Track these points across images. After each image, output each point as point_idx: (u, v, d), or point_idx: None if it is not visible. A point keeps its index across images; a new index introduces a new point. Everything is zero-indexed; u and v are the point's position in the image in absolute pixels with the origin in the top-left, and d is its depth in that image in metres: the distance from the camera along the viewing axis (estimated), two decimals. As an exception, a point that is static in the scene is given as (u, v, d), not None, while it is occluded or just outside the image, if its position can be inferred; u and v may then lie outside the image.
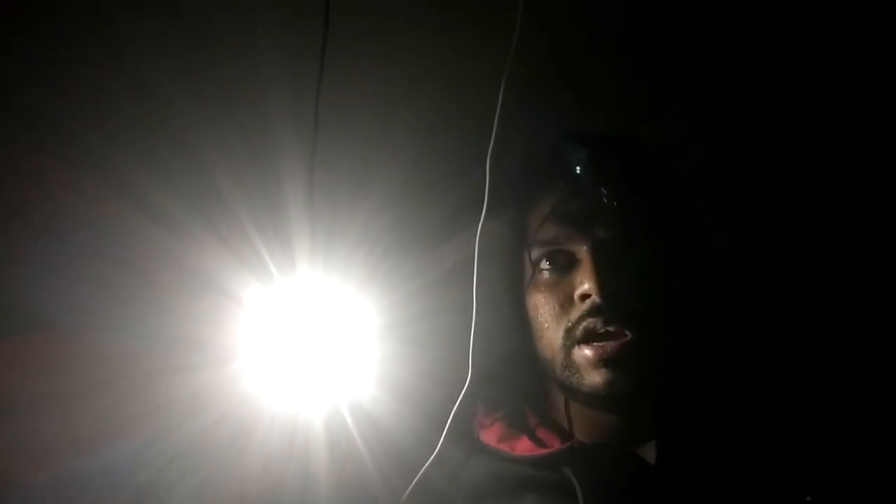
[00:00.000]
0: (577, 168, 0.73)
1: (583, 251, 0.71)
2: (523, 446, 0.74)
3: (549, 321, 0.73)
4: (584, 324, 0.70)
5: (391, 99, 0.80)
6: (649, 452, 0.72)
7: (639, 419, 0.73)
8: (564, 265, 0.73)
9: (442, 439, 0.69)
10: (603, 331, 0.69)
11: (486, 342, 0.79)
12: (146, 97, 0.81)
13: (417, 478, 0.70)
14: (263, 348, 0.76)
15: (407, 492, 0.71)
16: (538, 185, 0.76)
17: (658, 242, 0.73)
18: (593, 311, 0.70)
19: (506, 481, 0.72)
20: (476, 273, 0.71)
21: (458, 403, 0.70)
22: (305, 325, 0.74)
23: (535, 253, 0.74)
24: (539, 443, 0.74)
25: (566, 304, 0.72)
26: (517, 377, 0.82)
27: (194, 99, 0.82)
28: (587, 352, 0.70)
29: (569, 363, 0.71)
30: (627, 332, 0.69)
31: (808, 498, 0.65)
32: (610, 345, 0.69)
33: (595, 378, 0.69)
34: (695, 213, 0.78)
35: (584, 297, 0.70)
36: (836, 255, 0.89)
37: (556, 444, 0.73)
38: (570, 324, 0.71)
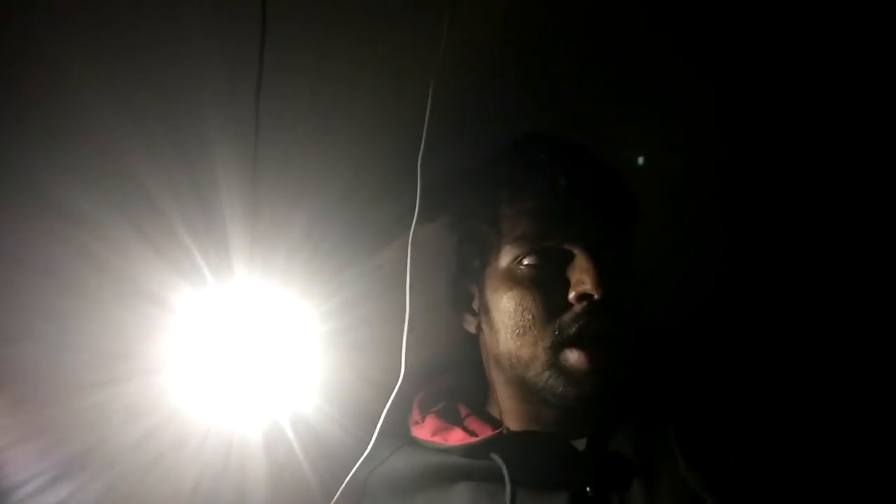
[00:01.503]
0: (562, 166, 0.73)
1: (576, 249, 0.71)
2: (455, 437, 0.75)
3: (535, 318, 0.71)
4: (580, 322, 0.69)
5: (332, 103, 0.78)
6: (580, 442, 0.74)
7: (579, 414, 0.74)
8: (554, 263, 0.71)
9: (373, 439, 0.69)
10: (593, 333, 0.69)
11: (425, 345, 0.80)
12: (66, 97, 0.77)
13: (348, 479, 0.69)
14: (197, 358, 0.72)
15: (338, 493, 0.70)
16: (514, 183, 0.75)
17: (626, 244, 0.76)
18: (590, 311, 0.69)
19: (438, 471, 0.73)
20: (414, 278, 0.70)
21: (389, 403, 0.69)
22: (243, 333, 0.71)
23: (515, 250, 0.72)
24: (470, 433, 0.75)
25: (557, 302, 0.70)
26: (454, 377, 0.83)
27: (121, 101, 0.79)
28: (575, 355, 0.70)
29: (553, 363, 0.70)
30: (616, 334, 0.70)
31: (732, 460, 0.67)
32: (600, 345, 0.69)
33: (573, 385, 0.69)
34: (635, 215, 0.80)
35: (584, 296, 0.69)
36: (798, 252, 0.91)
37: (487, 433, 0.74)
38: (559, 325, 0.70)
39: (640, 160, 0.86)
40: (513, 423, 0.77)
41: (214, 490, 0.72)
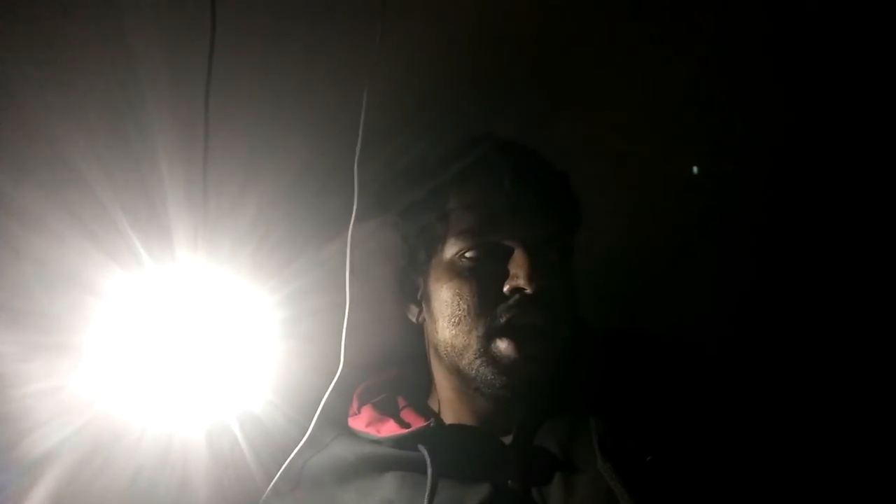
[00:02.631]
0: (508, 167, 0.75)
1: (517, 244, 0.73)
2: (388, 428, 0.77)
3: (470, 308, 0.73)
4: (511, 313, 0.72)
5: (280, 96, 0.77)
6: (508, 437, 0.76)
7: (509, 410, 0.76)
8: (492, 258, 0.74)
9: (311, 428, 0.71)
10: (523, 324, 0.72)
11: (370, 337, 0.81)
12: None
13: (285, 465, 0.71)
14: (135, 346, 0.70)
15: (274, 479, 0.72)
16: (462, 179, 0.77)
17: (567, 244, 0.78)
18: (521, 305, 0.72)
19: (369, 461, 0.75)
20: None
21: (327, 394, 0.71)
22: (187, 321, 0.69)
23: (458, 243, 0.75)
24: (403, 425, 0.78)
25: (493, 293, 0.73)
26: (398, 370, 0.85)
27: (54, 82, 0.75)
28: (505, 345, 0.72)
29: (485, 351, 0.73)
30: (546, 328, 0.73)
31: (648, 458, 0.70)
32: (529, 337, 0.72)
33: (502, 375, 0.72)
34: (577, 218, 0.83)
35: (516, 289, 0.72)
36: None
37: (418, 425, 0.76)
38: (493, 316, 0.72)
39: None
40: (450, 414, 0.80)
41: (154, 482, 0.70)
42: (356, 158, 0.69)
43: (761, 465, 0.74)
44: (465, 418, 0.79)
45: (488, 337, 0.73)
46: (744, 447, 0.74)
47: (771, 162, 0.95)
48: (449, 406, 0.80)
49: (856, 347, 0.91)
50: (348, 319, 0.71)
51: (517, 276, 0.72)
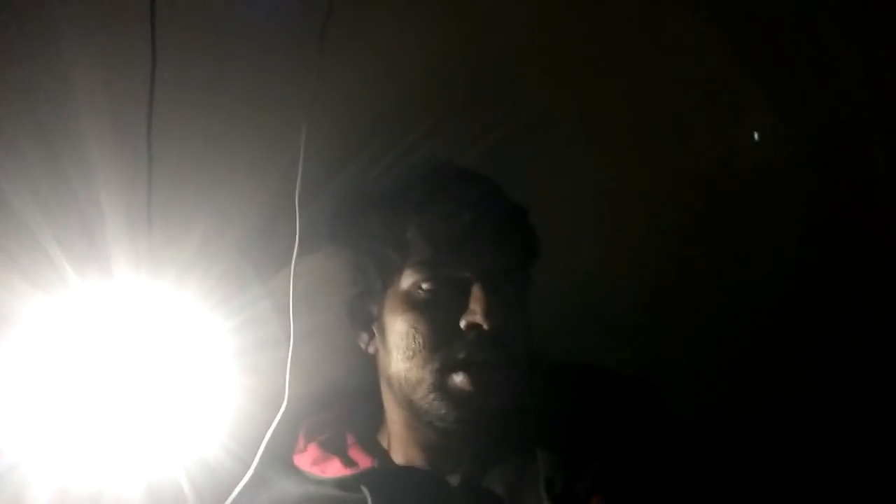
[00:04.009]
0: (468, 197, 0.75)
1: (473, 279, 0.72)
2: (332, 469, 0.75)
3: (425, 342, 0.72)
4: (467, 350, 0.71)
5: (228, 123, 0.75)
6: (454, 477, 0.74)
7: (458, 448, 0.75)
8: (450, 289, 0.73)
9: (253, 465, 0.67)
10: (479, 360, 0.71)
11: (317, 372, 0.78)
12: None
13: (228, 501, 0.67)
14: (50, 386, 0.64)
15: None
16: (421, 210, 0.76)
17: (523, 275, 0.78)
18: (477, 343, 0.71)
19: (313, 501, 0.73)
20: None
21: (270, 431, 0.67)
22: (114, 349, 0.65)
23: (414, 275, 0.73)
24: (349, 464, 0.75)
25: (449, 327, 0.72)
26: (346, 403, 0.82)
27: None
28: (460, 379, 0.71)
29: (439, 385, 0.71)
30: (501, 364, 0.71)
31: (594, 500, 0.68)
32: (483, 377, 0.71)
33: (456, 410, 0.71)
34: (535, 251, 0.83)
35: (472, 326, 0.71)
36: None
37: (366, 464, 0.74)
38: (448, 351, 0.71)
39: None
40: (398, 449, 0.77)
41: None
42: (297, 190, 0.69)
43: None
44: (414, 454, 0.76)
45: (443, 371, 0.71)
46: (697, 488, 0.73)
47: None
48: (399, 441, 0.77)
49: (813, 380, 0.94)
50: (295, 352, 0.68)
51: (474, 312, 0.71)
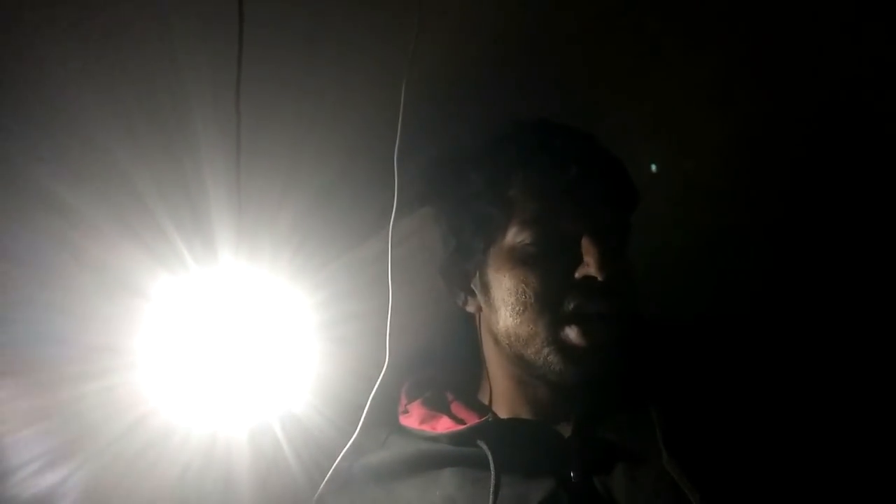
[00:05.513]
0: (572, 153, 0.74)
1: (583, 231, 0.71)
2: (443, 425, 0.76)
3: (536, 296, 0.71)
4: (579, 301, 0.70)
5: (317, 96, 0.77)
6: (566, 428, 0.74)
7: (566, 401, 0.75)
8: (559, 243, 0.72)
9: (358, 429, 0.69)
10: (591, 312, 0.70)
11: (411, 336, 0.80)
12: (49, 92, 0.76)
13: (332, 469, 0.70)
14: (183, 350, 0.71)
15: (322, 484, 0.71)
16: (524, 166, 0.75)
17: (626, 226, 0.76)
18: (591, 292, 0.70)
19: (426, 458, 0.74)
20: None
21: (373, 393, 0.69)
22: (229, 326, 0.69)
23: (524, 231, 0.73)
24: (458, 420, 0.76)
25: (560, 281, 0.71)
26: (441, 367, 0.84)
27: (104, 94, 0.77)
28: (575, 332, 0.70)
29: (553, 339, 0.71)
30: (615, 316, 0.71)
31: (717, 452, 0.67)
32: (597, 327, 0.70)
33: (572, 363, 0.70)
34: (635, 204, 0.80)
35: (587, 279, 0.70)
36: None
37: (473, 421, 0.74)
38: (562, 304, 0.70)
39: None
40: (503, 406, 0.77)
41: (200, 483, 0.71)
42: (395, 152, 0.68)
43: (832, 462, 0.70)
44: (521, 410, 0.76)
45: (556, 325, 0.70)
46: (812, 438, 0.71)
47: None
48: (504, 397, 0.77)
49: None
50: (393, 320, 0.69)
51: (588, 264, 0.70)
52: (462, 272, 0.79)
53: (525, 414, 0.77)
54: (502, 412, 0.78)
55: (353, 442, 0.71)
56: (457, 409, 0.79)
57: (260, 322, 0.72)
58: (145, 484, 0.72)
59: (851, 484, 0.70)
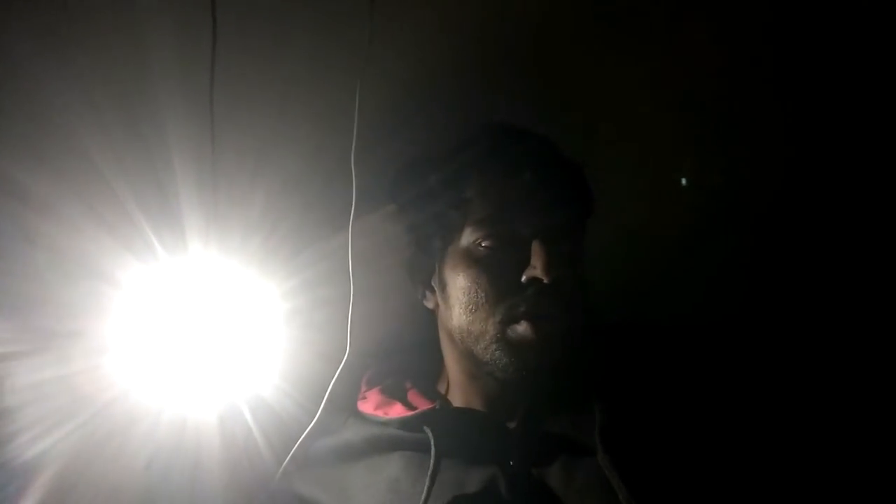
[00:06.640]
0: (527, 156, 0.76)
1: (534, 236, 0.74)
2: (395, 411, 0.78)
3: (487, 296, 0.73)
4: (525, 305, 0.73)
5: (287, 87, 0.77)
6: (513, 421, 0.77)
7: (512, 396, 0.77)
8: (511, 246, 0.74)
9: (319, 413, 0.72)
10: (539, 313, 0.73)
11: (377, 325, 0.82)
12: (12, 75, 0.74)
13: (295, 448, 0.73)
14: (151, 335, 0.70)
15: (285, 462, 0.74)
16: (482, 169, 0.77)
17: (579, 230, 0.79)
18: (537, 295, 0.72)
19: (377, 442, 0.77)
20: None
21: (333, 380, 0.72)
22: (199, 310, 0.69)
23: (476, 232, 0.75)
24: (410, 407, 0.79)
25: (510, 282, 0.73)
26: (405, 356, 0.86)
27: (70, 78, 0.76)
28: (523, 328, 0.73)
29: (501, 337, 0.73)
30: (556, 319, 0.73)
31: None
32: (543, 325, 0.73)
33: (518, 356, 0.73)
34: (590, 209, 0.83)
35: (533, 280, 0.73)
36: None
37: (424, 407, 0.78)
38: (511, 303, 0.73)
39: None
40: (458, 397, 0.80)
41: (168, 467, 0.71)
42: (353, 152, 0.70)
43: (765, 462, 0.74)
44: (474, 402, 0.79)
45: (504, 324, 0.73)
46: (749, 443, 0.74)
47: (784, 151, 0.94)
48: (458, 389, 0.80)
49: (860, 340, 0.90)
50: (356, 309, 0.71)
51: (535, 267, 0.72)
52: (423, 269, 0.81)
53: (477, 406, 0.80)
54: (457, 403, 0.81)
55: (315, 424, 0.73)
56: (412, 396, 0.81)
57: (230, 309, 0.72)
58: (110, 473, 0.71)
59: (787, 488, 0.74)
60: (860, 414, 0.84)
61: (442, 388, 0.83)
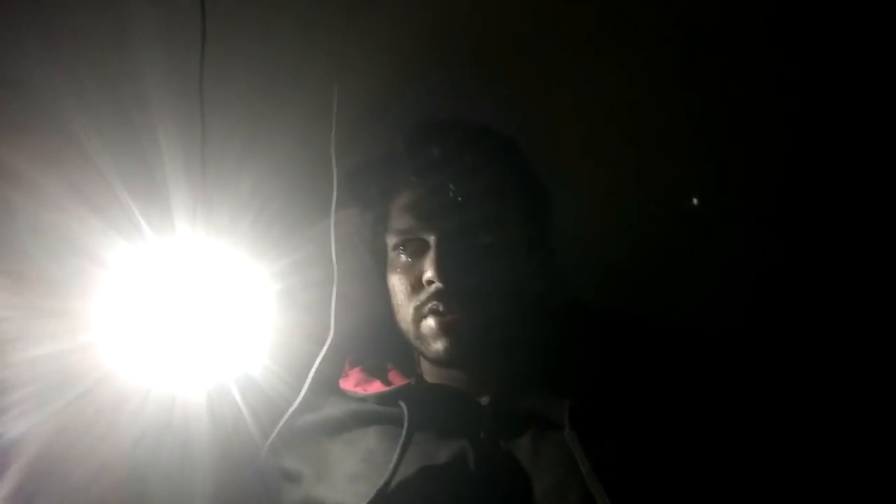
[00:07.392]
0: (429, 162, 0.78)
1: (431, 241, 0.78)
2: (373, 387, 0.82)
3: (403, 299, 0.80)
4: (430, 304, 0.78)
5: (276, 71, 0.78)
6: (484, 398, 0.79)
7: (478, 375, 0.81)
8: (416, 252, 0.79)
9: (303, 390, 0.76)
10: (443, 309, 0.77)
11: (360, 308, 0.84)
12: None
13: (280, 424, 0.76)
14: (138, 315, 0.71)
15: (271, 437, 0.77)
16: (397, 177, 0.81)
17: (503, 230, 0.80)
18: (435, 295, 0.77)
19: (355, 417, 0.81)
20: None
21: (318, 360, 0.75)
22: (187, 290, 0.70)
23: (392, 239, 0.81)
24: (388, 384, 0.83)
25: (416, 285, 0.79)
26: (384, 337, 0.87)
27: (56, 57, 0.75)
28: (431, 323, 0.78)
29: (419, 334, 0.79)
30: (461, 312, 0.77)
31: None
32: (447, 319, 0.77)
33: (437, 345, 0.77)
34: (544, 196, 0.85)
35: (429, 282, 0.77)
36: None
37: (400, 384, 0.81)
38: (418, 303, 0.78)
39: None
40: (431, 377, 0.84)
41: (157, 443, 0.72)
42: (332, 146, 0.73)
43: (743, 461, 0.75)
44: (447, 381, 0.82)
45: (417, 321, 0.79)
46: (725, 440, 0.75)
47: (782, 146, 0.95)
48: (428, 371, 0.84)
49: (854, 343, 0.91)
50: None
51: (427, 271, 0.77)
52: (379, 269, 0.85)
53: (452, 384, 0.82)
54: (431, 381, 0.83)
55: (300, 402, 0.76)
56: (392, 375, 0.84)
57: (218, 290, 0.73)
58: (98, 451, 0.72)
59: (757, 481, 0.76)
60: (842, 404, 0.85)
61: (421, 370, 0.86)
